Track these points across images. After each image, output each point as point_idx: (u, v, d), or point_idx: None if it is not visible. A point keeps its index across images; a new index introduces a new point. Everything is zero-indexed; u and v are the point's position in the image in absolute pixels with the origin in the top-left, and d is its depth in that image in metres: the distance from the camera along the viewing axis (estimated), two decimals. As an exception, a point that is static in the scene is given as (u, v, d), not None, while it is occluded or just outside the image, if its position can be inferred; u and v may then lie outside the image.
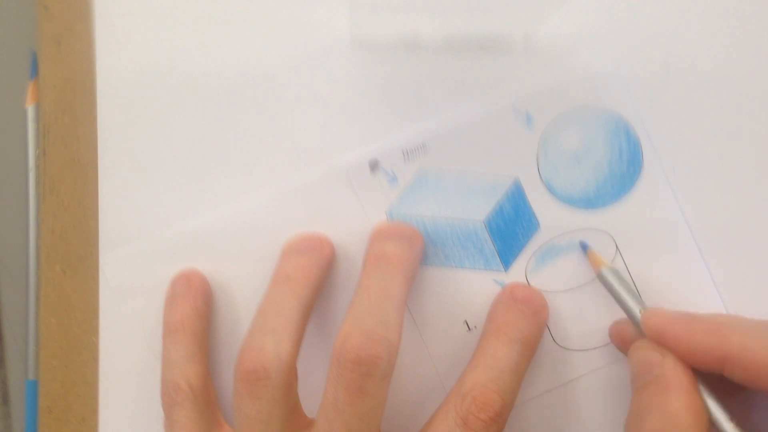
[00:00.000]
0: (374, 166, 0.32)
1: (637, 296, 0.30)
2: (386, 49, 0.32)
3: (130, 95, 0.33)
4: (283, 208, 0.32)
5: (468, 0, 0.31)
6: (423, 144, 0.32)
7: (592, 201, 0.32)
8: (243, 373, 0.28)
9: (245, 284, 0.33)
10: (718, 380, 0.27)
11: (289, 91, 0.32)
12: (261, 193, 0.33)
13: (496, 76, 0.31)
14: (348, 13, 0.32)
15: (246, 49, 0.32)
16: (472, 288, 0.32)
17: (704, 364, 0.26)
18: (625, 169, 0.31)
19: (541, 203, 0.32)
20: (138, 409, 0.33)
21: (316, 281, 0.31)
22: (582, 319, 0.32)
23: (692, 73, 0.31)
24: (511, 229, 0.32)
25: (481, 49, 0.31)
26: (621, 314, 0.31)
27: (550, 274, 0.32)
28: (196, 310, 0.32)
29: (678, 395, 0.26)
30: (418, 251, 0.31)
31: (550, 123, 0.31)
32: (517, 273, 0.32)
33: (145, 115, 0.33)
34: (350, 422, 0.27)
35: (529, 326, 0.30)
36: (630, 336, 0.29)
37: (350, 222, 0.32)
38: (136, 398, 0.33)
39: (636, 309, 0.29)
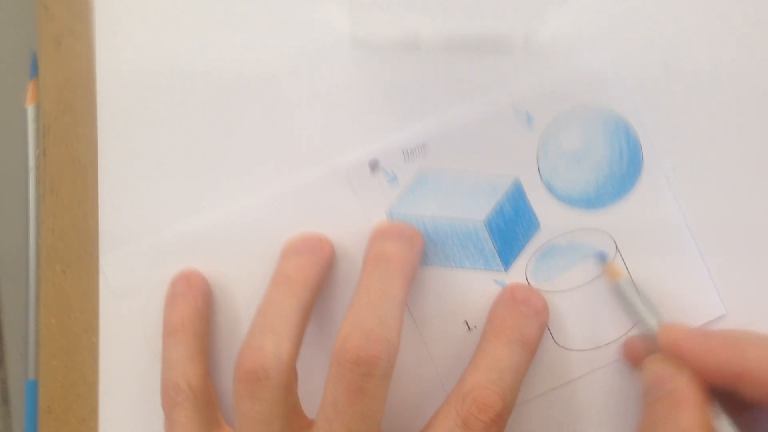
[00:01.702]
0: (374, 166, 0.32)
1: (654, 310, 0.30)
2: (386, 49, 0.32)
3: (130, 95, 0.33)
4: (283, 208, 0.32)
5: (468, 0, 0.31)
6: (423, 144, 0.32)
7: (592, 201, 0.32)
8: (243, 373, 0.28)
9: (245, 284, 0.33)
10: (727, 398, 0.27)
11: (289, 91, 0.32)
12: (261, 193, 0.33)
13: (496, 76, 0.31)
14: (348, 13, 0.32)
15: (246, 49, 0.32)
16: (472, 288, 0.32)
17: (719, 380, 0.26)
18: (625, 169, 0.31)
19: (541, 203, 0.32)
20: (138, 409, 0.33)
21: (316, 282, 0.31)
22: (582, 319, 0.32)
23: (692, 73, 0.31)
24: (511, 229, 0.32)
25: (481, 49, 0.31)
26: (619, 318, 0.31)
27: (550, 274, 0.32)
28: (196, 310, 0.32)
29: (690, 411, 0.26)
30: (418, 251, 0.31)
31: (550, 123, 0.31)
32: (517, 273, 0.32)
33: (145, 115, 0.33)
34: (350, 423, 0.27)
35: (530, 327, 0.30)
36: (643, 351, 0.29)
37: (350, 222, 0.32)
38: (136, 398, 0.33)
39: (653, 322, 0.29)
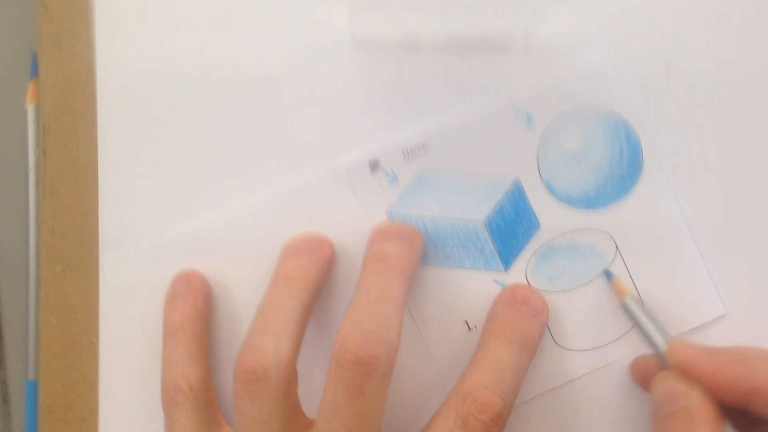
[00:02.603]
0: (374, 166, 0.32)
1: (661, 326, 0.30)
2: (386, 49, 0.32)
3: (130, 95, 0.33)
4: (283, 208, 0.32)
5: (468, 0, 0.31)
6: (423, 144, 0.32)
7: (592, 201, 0.32)
8: (243, 373, 0.28)
9: (245, 284, 0.33)
10: (738, 415, 0.27)
11: (289, 91, 0.32)
12: (261, 193, 0.33)
13: (496, 76, 0.31)
14: (348, 13, 0.32)
15: (246, 49, 0.32)
16: (473, 288, 0.32)
17: (729, 398, 0.26)
18: (625, 169, 0.31)
19: (541, 203, 0.32)
20: (138, 409, 0.33)
21: (316, 282, 0.31)
22: (582, 319, 0.32)
23: (692, 73, 0.31)
24: (511, 229, 0.32)
25: (481, 49, 0.31)
26: (619, 317, 0.31)
27: (550, 274, 0.32)
28: (196, 310, 0.32)
29: (704, 426, 0.26)
30: (418, 251, 0.31)
31: (550, 123, 0.31)
32: (517, 273, 0.32)
33: (145, 115, 0.33)
34: (350, 423, 0.27)
35: (530, 327, 0.30)
36: (652, 369, 0.29)
37: (350, 222, 0.32)
38: (136, 398, 0.33)
39: (661, 339, 0.29)
